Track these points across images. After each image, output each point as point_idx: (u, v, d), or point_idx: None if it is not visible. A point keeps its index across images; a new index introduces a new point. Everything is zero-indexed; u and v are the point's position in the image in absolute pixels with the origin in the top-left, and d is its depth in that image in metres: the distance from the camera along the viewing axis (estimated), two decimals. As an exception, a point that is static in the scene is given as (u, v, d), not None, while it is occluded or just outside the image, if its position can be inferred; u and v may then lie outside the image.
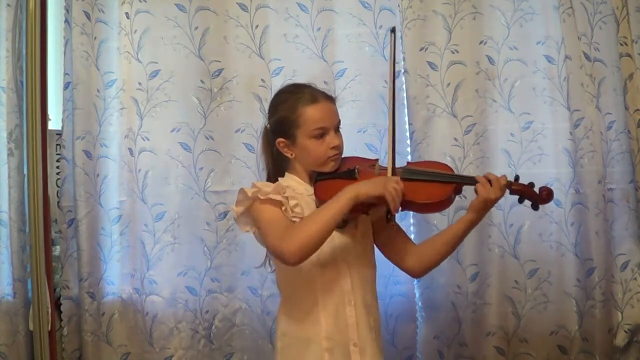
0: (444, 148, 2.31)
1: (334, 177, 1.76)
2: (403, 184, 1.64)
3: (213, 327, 2.31)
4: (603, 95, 2.33)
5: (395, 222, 1.74)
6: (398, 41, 2.33)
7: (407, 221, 2.29)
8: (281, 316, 1.77)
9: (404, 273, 1.87)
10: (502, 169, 2.29)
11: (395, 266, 1.85)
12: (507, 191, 1.72)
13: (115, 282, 2.31)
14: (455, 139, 2.32)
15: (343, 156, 1.79)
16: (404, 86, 2.33)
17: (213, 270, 2.30)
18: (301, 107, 1.71)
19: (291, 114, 1.72)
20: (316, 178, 1.77)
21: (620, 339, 2.32)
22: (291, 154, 1.76)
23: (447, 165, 1.85)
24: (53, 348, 2.24)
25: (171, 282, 2.30)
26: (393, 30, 1.85)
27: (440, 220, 2.28)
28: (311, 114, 1.71)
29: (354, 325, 1.69)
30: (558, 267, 2.33)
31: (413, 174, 1.74)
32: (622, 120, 2.33)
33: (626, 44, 2.33)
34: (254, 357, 2.31)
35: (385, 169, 1.75)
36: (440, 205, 1.72)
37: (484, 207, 1.69)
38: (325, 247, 1.69)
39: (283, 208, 1.68)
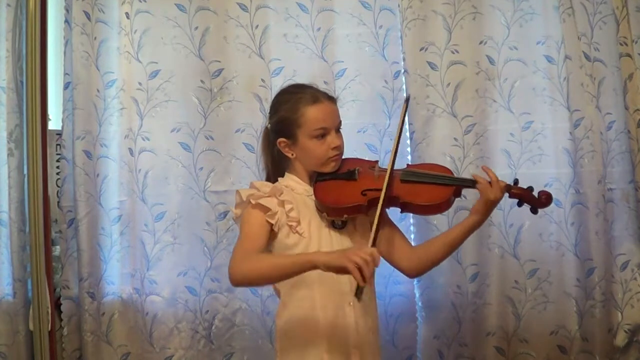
0: (444, 148, 2.31)
1: (334, 178, 1.76)
2: (403, 187, 1.65)
3: (213, 327, 2.31)
4: (603, 95, 2.33)
5: (360, 297, 1.50)
6: (397, 41, 2.34)
7: (407, 221, 2.29)
8: (280, 317, 1.77)
9: (404, 273, 1.88)
10: (502, 169, 2.29)
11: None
12: (507, 195, 1.72)
13: (115, 282, 2.31)
14: (455, 139, 2.32)
15: (343, 157, 1.80)
16: (404, 86, 2.34)
17: (213, 270, 2.30)
18: (302, 107, 1.72)
19: (292, 114, 1.72)
20: (316, 178, 1.77)
21: (620, 339, 2.32)
22: (292, 154, 1.77)
23: (446, 167, 1.85)
24: (53, 348, 2.23)
25: (171, 282, 2.30)
26: (407, 100, 1.88)
27: (440, 221, 2.28)
28: (312, 114, 1.71)
29: (352, 326, 1.69)
30: (558, 267, 2.33)
31: (413, 176, 1.75)
32: (622, 120, 2.33)
33: (626, 44, 2.34)
34: (254, 357, 2.31)
35: (385, 170, 1.75)
36: (439, 207, 1.73)
37: (485, 208, 1.70)
38: (324, 248, 1.69)
39: (273, 217, 1.69)
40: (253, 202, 1.69)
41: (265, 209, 1.69)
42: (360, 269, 1.43)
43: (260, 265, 1.60)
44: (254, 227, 1.69)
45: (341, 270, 1.46)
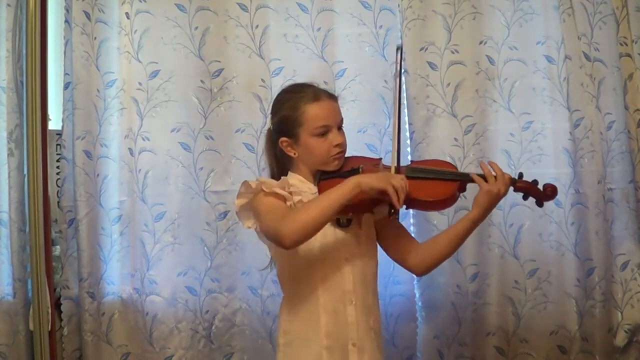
0: (444, 148, 2.31)
1: (337, 176, 1.75)
2: (408, 182, 1.64)
3: (213, 327, 2.31)
4: (603, 95, 2.33)
5: (397, 218, 1.70)
6: (397, 41, 2.34)
7: (407, 220, 2.29)
8: (283, 314, 1.76)
9: (404, 273, 1.88)
10: (502, 169, 2.29)
11: (395, 266, 1.86)
12: (511, 188, 1.72)
13: (115, 282, 2.30)
14: (455, 139, 2.32)
15: (346, 156, 1.79)
16: (404, 86, 2.34)
17: (213, 270, 2.30)
18: (304, 105, 1.71)
19: (294, 112, 1.72)
20: (320, 177, 1.77)
21: (620, 339, 2.32)
22: (294, 153, 1.76)
23: (450, 163, 1.86)
24: (53, 348, 2.23)
25: (171, 282, 2.30)
26: (399, 48, 1.86)
27: (440, 220, 2.28)
28: (314, 112, 1.71)
29: (353, 324, 1.69)
30: (558, 267, 2.33)
31: (417, 172, 1.74)
32: (622, 120, 2.33)
33: (626, 44, 2.34)
34: (254, 357, 2.31)
35: (389, 167, 1.75)
36: (445, 202, 1.72)
37: (489, 201, 1.69)
38: (329, 246, 1.69)
39: (288, 203, 1.68)
40: (267, 190, 1.68)
41: (279, 197, 1.68)
42: (397, 193, 1.56)
43: (309, 211, 1.57)
44: (276, 202, 1.67)
45: (382, 192, 1.58)
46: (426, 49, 2.32)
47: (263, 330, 2.30)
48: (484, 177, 1.70)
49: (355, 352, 1.68)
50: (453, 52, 2.32)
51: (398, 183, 1.57)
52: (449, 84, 2.32)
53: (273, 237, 1.61)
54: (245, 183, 1.71)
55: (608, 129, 2.33)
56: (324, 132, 1.72)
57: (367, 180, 1.58)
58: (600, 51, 2.33)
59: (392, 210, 1.65)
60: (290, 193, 1.70)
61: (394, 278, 2.30)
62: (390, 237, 1.80)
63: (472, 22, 2.34)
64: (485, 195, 1.68)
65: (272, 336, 2.26)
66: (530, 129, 2.35)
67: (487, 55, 2.34)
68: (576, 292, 2.31)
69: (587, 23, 2.32)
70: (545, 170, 2.32)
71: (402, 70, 2.29)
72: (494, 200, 1.69)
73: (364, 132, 2.33)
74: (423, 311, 2.35)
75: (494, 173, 1.70)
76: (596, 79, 2.32)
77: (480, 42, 2.34)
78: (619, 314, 2.33)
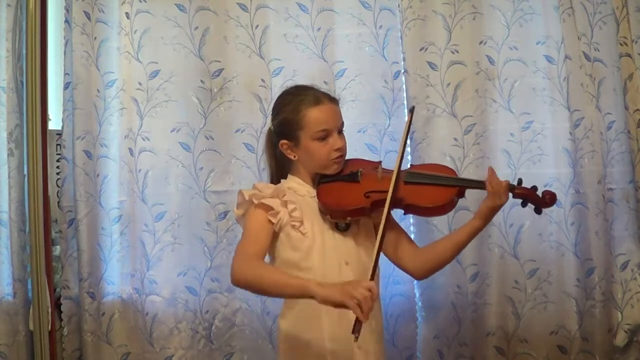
0: (444, 148, 2.31)
1: (336, 180, 1.75)
2: (406, 188, 1.65)
3: (213, 327, 2.31)
4: (603, 95, 2.33)
5: (357, 336, 1.46)
6: (397, 41, 2.34)
7: (407, 221, 2.28)
8: (284, 319, 1.76)
9: (404, 273, 1.86)
10: (502, 169, 2.30)
11: (395, 266, 1.85)
12: (510, 195, 1.72)
13: (116, 282, 2.30)
14: (455, 139, 2.32)
15: (346, 158, 1.79)
16: (404, 86, 2.34)
17: (213, 270, 2.29)
18: (304, 109, 1.71)
19: (294, 115, 1.72)
20: (319, 181, 1.77)
21: (620, 339, 2.32)
22: (294, 156, 1.76)
23: (450, 168, 1.85)
24: (53, 348, 2.23)
25: (171, 282, 2.29)
26: (412, 111, 1.87)
27: (440, 221, 2.28)
28: (314, 115, 1.71)
29: None
30: (558, 267, 2.33)
31: (416, 177, 1.74)
32: (622, 120, 2.33)
33: (626, 44, 2.34)
34: (254, 357, 2.31)
35: (389, 171, 1.75)
36: (443, 208, 1.72)
37: (491, 213, 1.70)
38: (329, 250, 1.69)
39: (276, 216, 1.68)
40: (256, 201, 1.69)
41: (267, 208, 1.69)
42: (359, 305, 1.41)
43: (262, 277, 1.58)
44: (255, 227, 1.69)
45: (340, 306, 1.44)
46: (426, 49, 2.32)
47: (263, 330, 2.30)
48: (483, 184, 1.70)
49: (360, 355, 1.68)
50: (453, 52, 2.32)
51: (360, 294, 1.41)
52: (449, 84, 2.32)
53: (231, 264, 1.63)
54: (240, 193, 1.74)
55: (608, 129, 2.33)
56: (324, 136, 1.72)
57: (322, 293, 1.46)
58: (600, 51, 2.33)
59: (354, 328, 1.46)
60: (285, 202, 1.70)
61: (394, 278, 2.30)
62: (391, 241, 1.79)
63: (472, 22, 2.34)
64: (486, 205, 1.69)
65: (272, 336, 2.26)
66: (530, 129, 2.35)
67: (487, 55, 2.34)
68: (576, 292, 2.31)
69: (587, 23, 2.32)
70: (545, 170, 2.32)
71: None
72: (496, 210, 1.70)
73: (364, 132, 2.33)
74: (423, 311, 2.35)
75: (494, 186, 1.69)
76: (596, 79, 2.32)
77: (480, 42, 2.34)
78: (619, 314, 2.33)
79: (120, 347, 2.28)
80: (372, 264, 1.56)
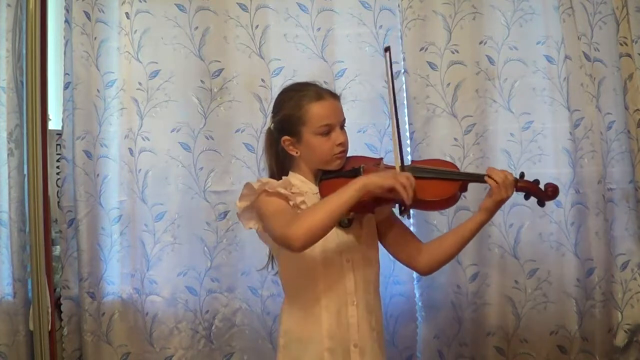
0: (444, 148, 2.31)
1: (338, 176, 1.75)
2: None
3: (213, 327, 2.31)
4: (603, 95, 2.33)
5: (409, 215, 1.67)
6: (397, 41, 2.34)
7: (406, 222, 2.28)
8: (284, 314, 1.77)
9: (404, 273, 1.87)
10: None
11: (395, 266, 1.86)
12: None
13: (115, 282, 2.31)
14: (455, 139, 2.32)
15: (348, 155, 1.79)
16: (404, 86, 2.34)
17: (213, 270, 2.30)
18: (306, 104, 1.71)
19: (296, 111, 1.72)
20: (321, 177, 1.77)
21: (620, 339, 2.32)
22: (296, 152, 1.76)
23: (452, 163, 1.86)
24: (53, 348, 2.23)
25: (171, 282, 2.29)
26: (387, 49, 1.84)
27: (440, 220, 2.28)
28: (317, 110, 1.71)
29: (355, 325, 1.69)
30: (558, 267, 2.33)
31: (419, 172, 1.74)
32: (622, 120, 2.33)
33: (626, 44, 2.34)
34: (254, 357, 2.31)
35: (391, 167, 1.75)
36: (447, 202, 1.72)
37: (496, 207, 1.71)
38: (330, 247, 1.69)
39: (291, 203, 1.67)
40: (270, 190, 1.67)
41: (282, 196, 1.67)
42: (405, 188, 1.55)
43: (316, 214, 1.56)
44: (281, 204, 1.66)
45: (390, 190, 1.56)
46: (426, 49, 2.32)
47: (263, 330, 2.30)
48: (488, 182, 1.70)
49: (357, 354, 1.68)
50: (453, 52, 2.32)
51: (405, 180, 1.57)
52: (449, 84, 2.32)
53: (281, 241, 1.60)
54: (248, 185, 1.70)
55: (608, 129, 2.33)
56: (327, 131, 1.72)
57: (374, 180, 1.57)
58: (600, 51, 2.33)
59: (403, 208, 1.65)
60: (293, 193, 1.69)
61: (394, 278, 2.30)
62: (396, 237, 1.80)
63: (472, 22, 2.34)
64: (492, 200, 1.69)
65: (272, 336, 2.26)
66: (530, 129, 2.35)
67: (487, 55, 2.34)
68: (576, 292, 2.31)
69: (587, 23, 2.32)
70: (545, 170, 2.32)
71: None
72: (501, 204, 1.71)
73: (364, 132, 2.32)
74: (423, 311, 2.35)
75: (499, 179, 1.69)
76: (596, 79, 2.32)
77: (480, 42, 2.34)
78: (619, 314, 2.33)
79: (120, 347, 2.28)
80: (399, 155, 1.71)
